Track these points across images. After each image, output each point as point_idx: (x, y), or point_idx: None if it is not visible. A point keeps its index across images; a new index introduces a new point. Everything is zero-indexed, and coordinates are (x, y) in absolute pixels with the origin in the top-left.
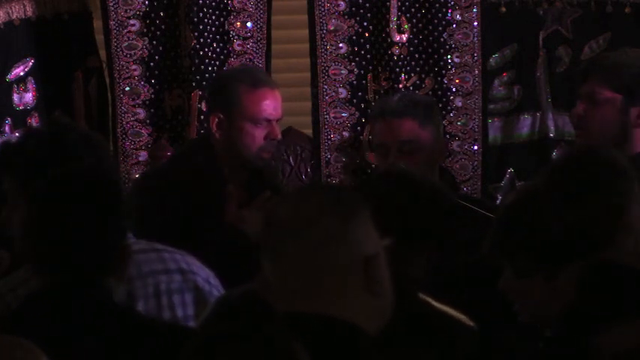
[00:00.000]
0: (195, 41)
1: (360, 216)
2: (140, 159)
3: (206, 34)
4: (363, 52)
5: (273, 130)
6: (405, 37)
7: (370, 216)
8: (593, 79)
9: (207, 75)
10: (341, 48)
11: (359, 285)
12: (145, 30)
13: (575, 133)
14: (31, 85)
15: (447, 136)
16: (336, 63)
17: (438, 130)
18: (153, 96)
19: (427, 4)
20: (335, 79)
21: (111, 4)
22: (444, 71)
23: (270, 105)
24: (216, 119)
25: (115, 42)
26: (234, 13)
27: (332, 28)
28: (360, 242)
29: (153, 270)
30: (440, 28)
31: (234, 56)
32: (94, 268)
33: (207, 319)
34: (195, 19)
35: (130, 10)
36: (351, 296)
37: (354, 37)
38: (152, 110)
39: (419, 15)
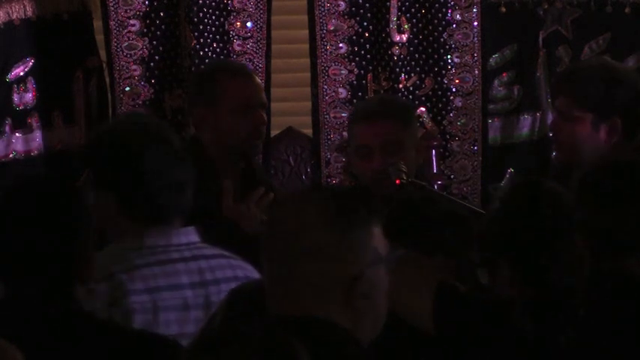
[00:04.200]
0: (195, 41)
1: (357, 232)
2: None
3: (206, 34)
4: (363, 52)
5: (260, 116)
6: (405, 37)
7: (373, 229)
8: (563, 96)
9: None
10: (341, 48)
11: (342, 301)
12: (145, 30)
13: (553, 146)
14: (31, 85)
15: (447, 136)
16: (336, 63)
17: (417, 132)
18: (153, 96)
19: (427, 4)
20: (335, 79)
21: (111, 4)
22: (444, 71)
23: (252, 92)
24: (201, 115)
25: (115, 42)
26: (234, 13)
27: (332, 28)
28: (351, 261)
29: (226, 277)
30: (440, 28)
31: (234, 56)
32: (60, 275)
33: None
34: (195, 19)
35: (130, 10)
36: (338, 306)
37: (354, 37)
38: (152, 110)
39: (419, 15)
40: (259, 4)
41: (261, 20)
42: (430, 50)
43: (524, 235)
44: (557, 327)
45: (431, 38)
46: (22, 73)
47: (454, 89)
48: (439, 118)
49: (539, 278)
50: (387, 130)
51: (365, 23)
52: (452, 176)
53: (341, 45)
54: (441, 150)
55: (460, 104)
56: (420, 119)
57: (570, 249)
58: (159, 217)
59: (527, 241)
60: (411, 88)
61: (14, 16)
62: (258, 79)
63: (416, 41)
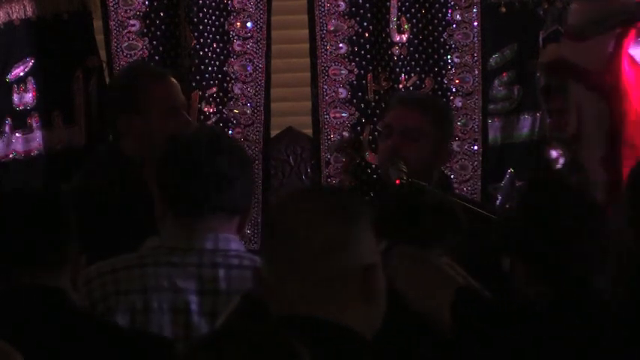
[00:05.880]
0: (195, 41)
1: (363, 224)
2: None
3: (206, 34)
4: (363, 52)
5: (185, 117)
6: (405, 37)
7: (371, 223)
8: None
9: (207, 75)
10: (341, 48)
11: (356, 292)
12: (145, 30)
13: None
14: (31, 85)
15: None
16: (336, 63)
17: (445, 137)
18: None
19: (427, 4)
20: (335, 79)
21: (111, 4)
22: (444, 71)
23: (176, 94)
24: (128, 122)
25: (115, 42)
26: (234, 13)
27: (332, 28)
28: (361, 251)
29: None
30: (440, 28)
31: (234, 56)
32: (58, 275)
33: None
34: (195, 19)
35: (130, 10)
36: (347, 303)
37: (354, 37)
38: None
39: (419, 15)
40: (259, 4)
41: (261, 20)
42: (430, 50)
43: (540, 234)
44: (577, 326)
45: (431, 38)
46: (22, 73)
47: (454, 89)
48: None
49: (556, 277)
50: (412, 115)
51: (365, 23)
52: (452, 176)
53: (341, 45)
54: None
55: (460, 104)
56: None
57: (595, 248)
58: (186, 209)
59: (543, 239)
60: (411, 88)
61: (14, 16)
62: (175, 80)
63: (416, 41)
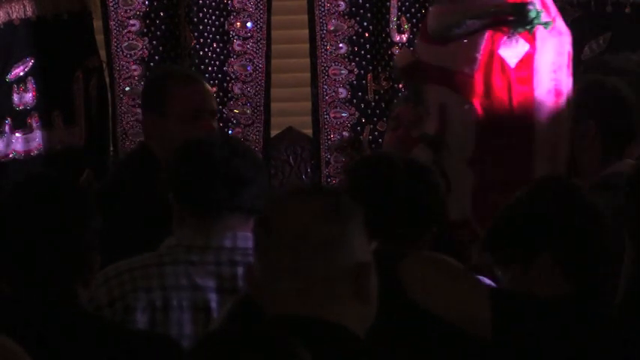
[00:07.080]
0: (195, 41)
1: (356, 223)
2: None
3: (206, 34)
4: (363, 52)
5: (208, 124)
6: (405, 37)
7: (363, 222)
8: None
9: (207, 75)
10: (341, 48)
11: (350, 291)
12: (145, 30)
13: None
14: (31, 85)
15: None
16: (336, 63)
17: None
18: None
19: (427, 4)
20: (335, 79)
21: (111, 4)
22: None
23: (201, 99)
24: (151, 123)
25: (115, 42)
26: (234, 13)
27: (332, 28)
28: (354, 250)
29: None
30: None
31: (234, 56)
32: (62, 275)
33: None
34: (195, 19)
35: (130, 10)
36: (340, 301)
37: (354, 37)
38: None
39: (419, 15)
40: (259, 4)
41: (261, 20)
42: None
43: (572, 231)
44: (601, 325)
45: None
46: (22, 73)
47: None
48: None
49: (582, 275)
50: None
51: (365, 23)
52: None
53: (341, 45)
54: None
55: None
56: None
57: (610, 248)
58: (204, 208)
59: (574, 237)
60: None
61: (14, 16)
62: (208, 86)
63: (416, 41)
